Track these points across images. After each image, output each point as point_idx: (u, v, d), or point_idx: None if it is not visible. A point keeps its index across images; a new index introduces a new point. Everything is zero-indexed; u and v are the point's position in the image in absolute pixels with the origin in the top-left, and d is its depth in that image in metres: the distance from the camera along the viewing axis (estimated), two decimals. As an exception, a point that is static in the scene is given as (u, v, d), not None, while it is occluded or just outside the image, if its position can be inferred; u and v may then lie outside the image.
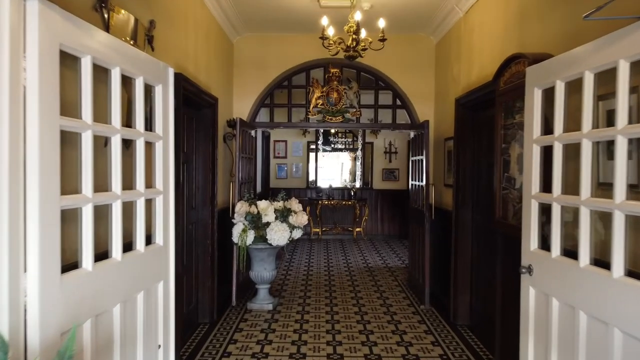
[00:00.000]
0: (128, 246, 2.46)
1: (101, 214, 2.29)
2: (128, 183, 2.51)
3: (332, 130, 10.73)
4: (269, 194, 10.13)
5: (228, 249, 5.36)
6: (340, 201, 10.10)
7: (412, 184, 6.16)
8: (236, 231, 5.08)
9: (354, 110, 6.29)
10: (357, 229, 10.27)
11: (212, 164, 4.85)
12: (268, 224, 5.06)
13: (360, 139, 10.58)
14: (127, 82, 2.57)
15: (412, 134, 6.12)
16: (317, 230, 10.19)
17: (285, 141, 10.58)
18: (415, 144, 6.02)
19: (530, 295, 2.74)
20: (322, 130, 10.60)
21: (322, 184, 10.54)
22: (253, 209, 5.09)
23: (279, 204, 5.25)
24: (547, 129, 2.65)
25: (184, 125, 4.37)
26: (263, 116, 6.58)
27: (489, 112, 4.33)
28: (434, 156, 5.76)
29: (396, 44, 5.60)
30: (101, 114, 2.20)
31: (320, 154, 10.62)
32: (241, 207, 5.11)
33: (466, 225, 4.79)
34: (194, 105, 4.54)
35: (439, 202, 5.52)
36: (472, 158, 4.76)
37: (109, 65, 2.19)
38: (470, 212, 4.78)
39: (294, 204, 5.26)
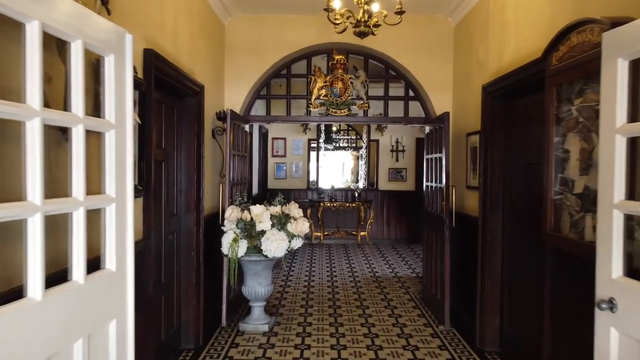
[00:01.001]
0: (61, 275, 1.77)
1: (14, 233, 1.59)
2: (62, 188, 1.81)
3: (334, 128, 10.04)
4: (267, 195, 9.42)
5: (217, 260, 4.65)
6: (343, 203, 9.39)
7: (426, 186, 5.45)
8: (226, 241, 4.37)
9: (361, 102, 5.58)
10: (362, 233, 9.56)
11: (198, 162, 4.14)
12: (263, 232, 4.35)
13: (365, 136, 9.87)
14: (62, 49, 1.88)
15: (427, 129, 5.40)
16: (319, 234, 9.49)
17: (285, 138, 9.86)
18: (431, 140, 5.31)
19: (611, 340, 2.02)
20: (323, 127, 9.89)
21: (324, 184, 9.83)
22: (246, 215, 4.38)
23: (276, 209, 4.54)
24: (635, 114, 1.95)
25: (162, 116, 3.66)
26: (259, 109, 5.88)
27: (527, 99, 3.61)
28: (454, 154, 5.04)
29: (410, 27, 4.89)
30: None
31: (322, 152, 9.91)
32: (232, 213, 4.40)
33: (496, 235, 4.07)
34: (175, 92, 3.83)
35: (460, 206, 4.80)
36: (504, 155, 4.04)
37: (20, 17, 1.48)
38: (501, 219, 4.06)
39: (293, 209, 4.54)
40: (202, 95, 4.17)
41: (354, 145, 10.09)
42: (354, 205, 9.40)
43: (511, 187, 3.95)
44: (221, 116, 4.73)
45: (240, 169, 5.13)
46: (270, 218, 4.42)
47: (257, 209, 4.39)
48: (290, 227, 4.42)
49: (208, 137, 4.57)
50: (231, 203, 4.62)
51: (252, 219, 4.36)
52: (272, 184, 9.79)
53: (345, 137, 10.18)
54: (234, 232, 4.36)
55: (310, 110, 5.60)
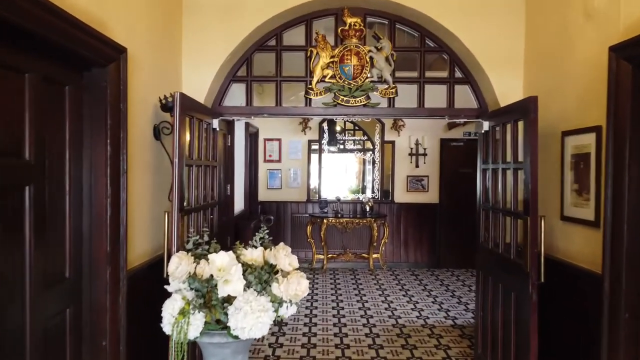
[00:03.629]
0: None
1: None
2: None
3: (338, 127, 8.22)
4: (258, 210, 7.64)
5: (159, 340, 2.87)
6: (351, 219, 7.61)
7: (484, 209, 3.67)
8: (168, 312, 2.55)
9: (386, 86, 3.81)
10: (374, 255, 7.78)
11: (115, 183, 2.37)
12: (231, 299, 2.56)
13: (377, 136, 8.07)
14: None
15: (485, 126, 3.62)
16: (322, 256, 7.71)
17: (279, 140, 8.08)
18: (489, 143, 3.54)
19: None
20: (325, 125, 8.10)
21: (328, 195, 8.05)
22: (202, 269, 2.58)
23: (255, 256, 2.74)
24: None
25: (29, 97, 1.90)
26: (236, 97, 4.10)
27: None
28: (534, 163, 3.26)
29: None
30: None
31: (325, 155, 8.13)
32: (179, 265, 2.59)
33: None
34: (65, 57, 2.07)
35: (550, 246, 3.03)
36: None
37: None
38: (652, 284, 2.30)
39: (283, 257, 2.74)
40: (121, 64, 2.39)
41: (361, 147, 8.29)
42: (364, 221, 7.62)
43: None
44: (168, 105, 2.95)
45: (203, 186, 3.35)
46: (244, 272, 2.63)
47: (220, 259, 2.59)
48: (277, 289, 2.62)
49: (141, 139, 2.81)
50: (183, 243, 2.84)
51: (212, 275, 2.58)
52: (264, 195, 8.02)
53: (352, 137, 8.38)
54: (183, 298, 2.57)
55: (310, 99, 3.83)
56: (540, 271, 2.84)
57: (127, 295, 2.45)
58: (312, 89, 3.78)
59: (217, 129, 3.64)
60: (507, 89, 3.55)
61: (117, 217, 2.38)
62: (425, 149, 7.94)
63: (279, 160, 8.11)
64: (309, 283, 6.86)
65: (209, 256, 2.60)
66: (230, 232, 5.29)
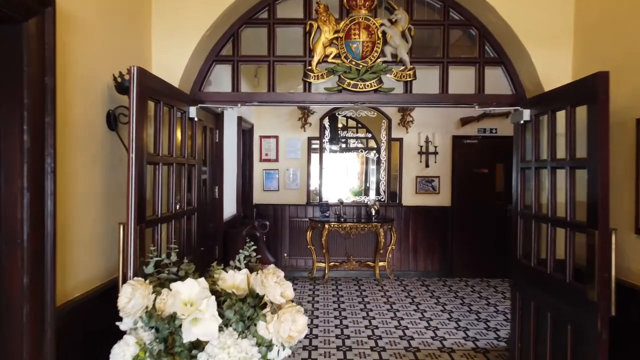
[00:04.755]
0: None
1: None
2: None
3: (340, 124, 7.54)
4: (253, 214, 6.96)
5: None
6: (355, 224, 6.93)
7: (523, 215, 3.00)
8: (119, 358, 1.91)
9: (402, 68, 3.13)
10: (381, 263, 7.10)
11: (35, 184, 1.70)
12: (202, 342, 1.88)
13: (384, 133, 7.38)
14: None
15: (526, 115, 2.94)
16: (323, 265, 7.04)
17: (277, 137, 7.40)
18: (530, 136, 2.87)
19: None
20: (328, 123, 7.43)
21: (330, 197, 7.37)
22: (162, 303, 1.90)
23: (237, 280, 2.05)
24: None
25: None
26: (222, 82, 3.41)
27: None
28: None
29: None
30: None
31: (326, 154, 7.45)
32: (132, 297, 1.92)
33: None
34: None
35: (620, 268, 2.35)
36: None
37: None
38: None
39: (272, 285, 2.05)
40: (46, 22, 1.71)
41: (367, 146, 7.62)
42: (370, 226, 6.94)
43: None
44: (124, 85, 2.27)
45: (175, 189, 2.68)
46: (222, 305, 1.94)
47: (188, 289, 1.90)
48: (265, 328, 1.93)
49: (88, 128, 2.14)
50: (140, 266, 2.16)
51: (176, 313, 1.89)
52: (259, 197, 7.34)
53: (355, 135, 7.70)
54: (137, 342, 1.88)
55: (309, 84, 3.16)
56: (611, 301, 2.16)
57: (58, 340, 1.77)
58: (311, 70, 3.11)
59: (196, 119, 2.96)
60: (552, 70, 2.88)
61: (40, 235, 1.70)
62: (436, 147, 7.25)
63: (276, 160, 7.43)
64: (309, 298, 6.22)
65: (173, 286, 1.94)
66: (219, 241, 4.63)
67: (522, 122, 2.96)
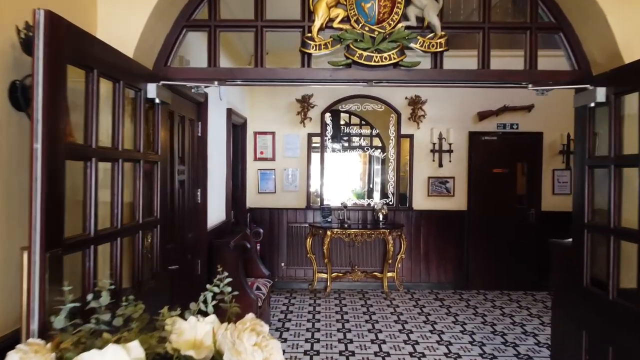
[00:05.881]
0: None
1: None
2: None
3: (342, 121, 6.78)
4: (246, 220, 6.22)
5: None
6: (361, 230, 6.20)
7: (592, 229, 2.26)
8: None
9: (430, 35, 2.40)
10: (389, 274, 6.37)
11: None
12: None
13: (393, 129, 6.63)
14: None
15: (599, 95, 2.19)
16: (324, 275, 6.30)
17: (273, 133, 6.66)
18: (607, 124, 2.14)
19: None
20: (330, 118, 6.67)
21: (332, 200, 6.63)
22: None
23: (199, 335, 1.30)
24: None
25: None
26: (196, 57, 2.67)
27: None
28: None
29: None
30: None
31: (328, 153, 6.69)
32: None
33: None
34: None
35: None
36: None
37: None
38: None
39: (248, 350, 1.31)
40: None
41: (372, 144, 6.85)
42: (376, 232, 6.20)
43: None
44: (31, 40, 1.53)
45: (118, 195, 1.94)
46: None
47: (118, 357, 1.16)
48: None
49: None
50: (46, 315, 1.42)
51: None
52: (254, 200, 6.60)
53: (360, 131, 6.94)
54: None
55: (309, 56, 2.42)
56: None
57: None
58: (311, 38, 2.37)
59: (158, 101, 2.22)
60: (631, 36, 2.14)
61: None
62: (450, 144, 6.51)
63: (273, 159, 6.69)
64: (309, 314, 5.45)
65: (79, 358, 1.15)
66: (202, 254, 3.89)
67: (592, 105, 2.22)
